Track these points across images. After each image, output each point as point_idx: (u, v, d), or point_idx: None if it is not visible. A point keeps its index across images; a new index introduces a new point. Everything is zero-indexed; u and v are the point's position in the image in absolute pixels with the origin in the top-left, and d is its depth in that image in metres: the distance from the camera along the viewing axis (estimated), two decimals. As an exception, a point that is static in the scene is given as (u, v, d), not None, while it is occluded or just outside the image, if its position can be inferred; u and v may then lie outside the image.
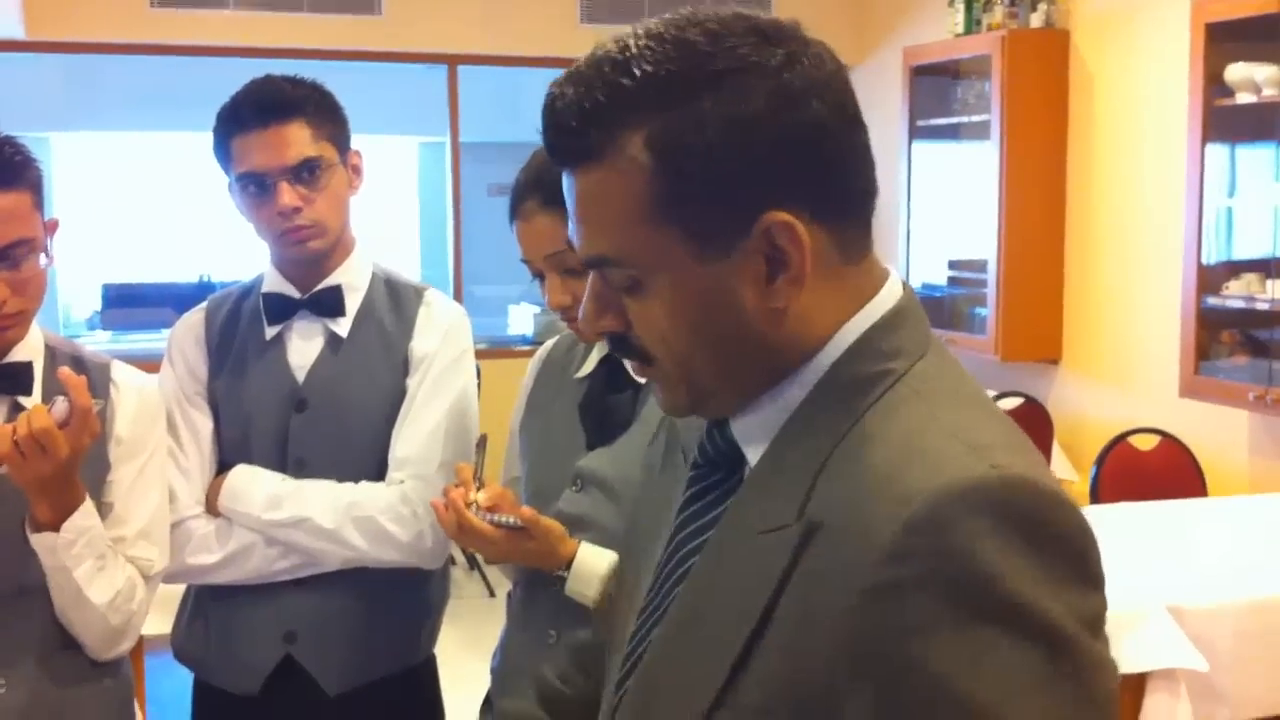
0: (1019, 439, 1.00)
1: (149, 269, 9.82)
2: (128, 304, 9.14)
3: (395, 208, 9.54)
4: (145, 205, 9.92)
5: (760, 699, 0.97)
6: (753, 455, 1.08)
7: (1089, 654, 0.91)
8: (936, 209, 5.86)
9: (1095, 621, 0.92)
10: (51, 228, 1.92)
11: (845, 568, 0.92)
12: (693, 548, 1.10)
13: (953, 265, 5.82)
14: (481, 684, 2.19)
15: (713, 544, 1.07)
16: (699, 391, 1.08)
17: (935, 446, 0.95)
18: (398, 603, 2.28)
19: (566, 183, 1.06)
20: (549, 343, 2.24)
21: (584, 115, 1.02)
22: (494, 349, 6.73)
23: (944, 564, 0.89)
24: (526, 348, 6.83)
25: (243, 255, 6.61)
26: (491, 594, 6.02)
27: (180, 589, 2.34)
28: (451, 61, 6.68)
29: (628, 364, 2.01)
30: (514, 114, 8.76)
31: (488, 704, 2.15)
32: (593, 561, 1.90)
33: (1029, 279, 5.28)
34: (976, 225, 5.43)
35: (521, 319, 7.59)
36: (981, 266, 5.42)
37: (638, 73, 0.99)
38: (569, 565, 1.92)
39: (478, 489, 1.96)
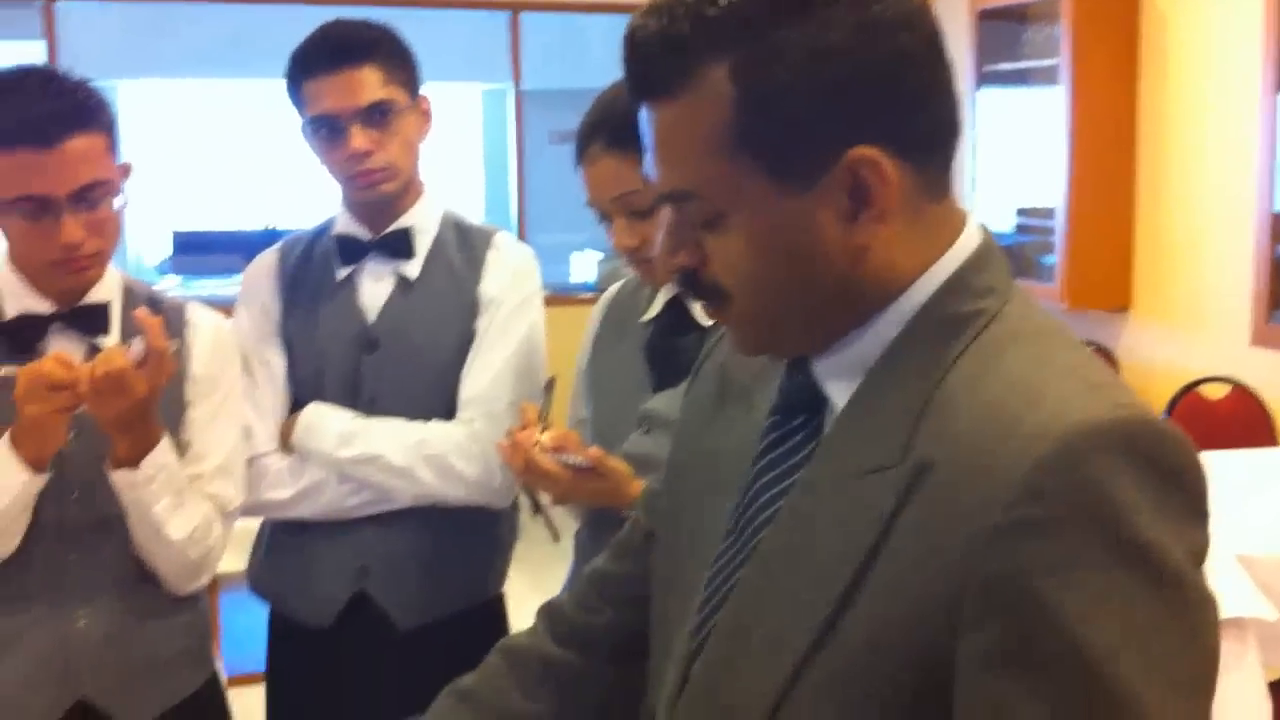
0: (1120, 379, 0.99)
1: (216, 217, 9.92)
2: (197, 251, 9.24)
3: (459, 155, 9.56)
4: (212, 153, 10.01)
5: (864, 637, 0.96)
6: (838, 395, 1.07)
7: (1198, 591, 0.92)
8: (1004, 156, 5.79)
9: (1201, 555, 0.93)
10: (125, 171, 1.95)
11: (966, 506, 0.92)
12: (779, 491, 1.09)
13: (1020, 213, 5.75)
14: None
15: (805, 485, 1.06)
16: (775, 330, 1.08)
17: (1056, 385, 0.94)
18: (468, 540, 2.32)
19: (645, 116, 1.05)
20: (614, 287, 2.26)
21: (666, 46, 1.01)
22: (557, 296, 6.74)
23: (1078, 503, 0.89)
24: (589, 295, 6.84)
25: (309, 204, 6.66)
26: (556, 539, 6.07)
27: (255, 527, 2.39)
28: (514, 8, 6.67)
29: (695, 307, 2.02)
30: (577, 61, 8.76)
31: None
32: None
33: (1098, 226, 5.21)
34: (1044, 172, 5.36)
35: (584, 266, 7.61)
36: (1049, 214, 5.35)
37: (723, 2, 0.98)
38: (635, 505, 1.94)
39: (542, 430, 1.98)
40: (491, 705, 1.34)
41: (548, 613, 1.40)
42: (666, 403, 1.99)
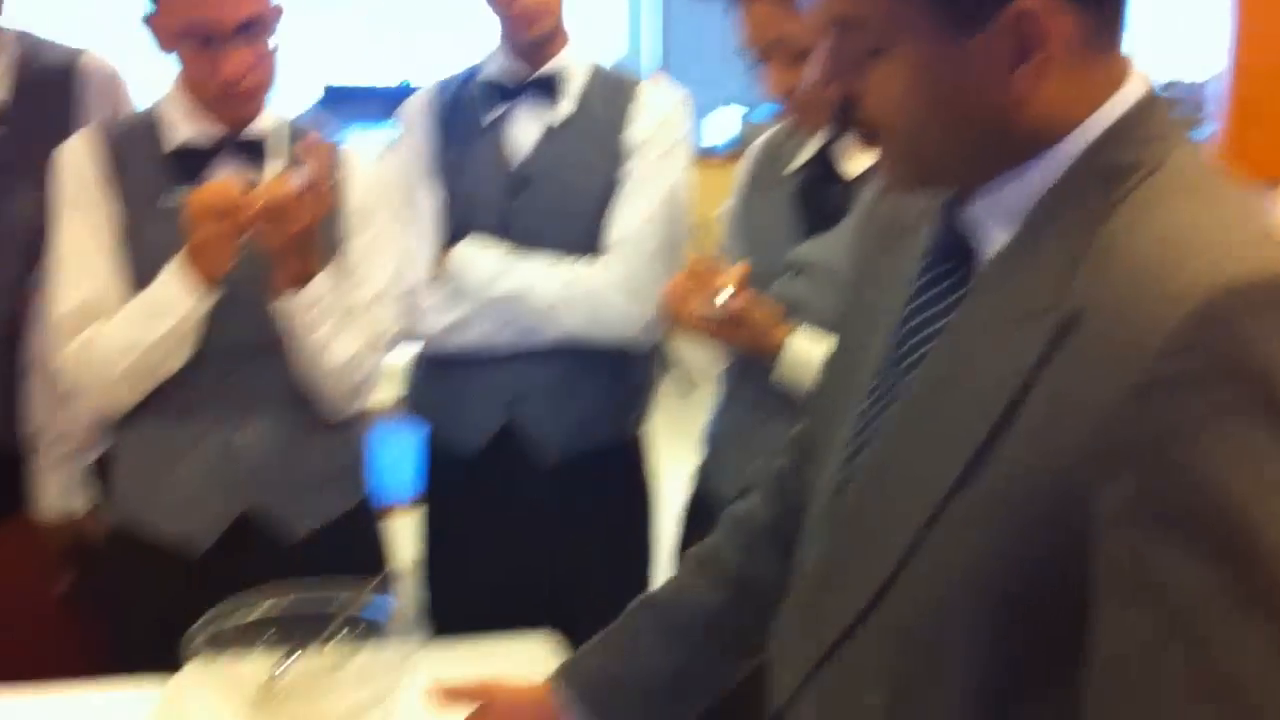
0: None
1: (354, 72, 10.00)
2: (343, 102, 9.34)
3: (601, 10, 9.48)
4: (349, 7, 10.04)
5: (1005, 480, 0.96)
6: (991, 240, 1.06)
7: None
8: (1154, 22, 5.59)
9: None
10: (277, 13, 1.99)
11: (1113, 358, 0.90)
12: (927, 334, 1.09)
13: (1169, 85, 5.57)
14: (683, 468, 2.28)
15: (954, 329, 1.06)
16: (927, 167, 1.06)
17: (1213, 240, 0.92)
18: (613, 379, 2.38)
19: None
20: (764, 135, 2.25)
21: None
22: (696, 154, 6.67)
23: (1226, 360, 0.86)
24: (731, 150, 6.78)
25: (443, 60, 6.68)
26: (685, 395, 6.10)
27: (406, 358, 2.46)
28: None
29: (841, 159, 2.01)
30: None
31: (697, 507, 2.24)
32: (806, 349, 1.93)
33: (1257, 95, 5.02)
34: (1199, 39, 5.17)
35: (725, 123, 7.53)
36: (1202, 85, 5.17)
37: None
38: (781, 351, 1.96)
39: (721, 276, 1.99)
40: (723, 569, 1.41)
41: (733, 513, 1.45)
42: (817, 248, 2.00)
